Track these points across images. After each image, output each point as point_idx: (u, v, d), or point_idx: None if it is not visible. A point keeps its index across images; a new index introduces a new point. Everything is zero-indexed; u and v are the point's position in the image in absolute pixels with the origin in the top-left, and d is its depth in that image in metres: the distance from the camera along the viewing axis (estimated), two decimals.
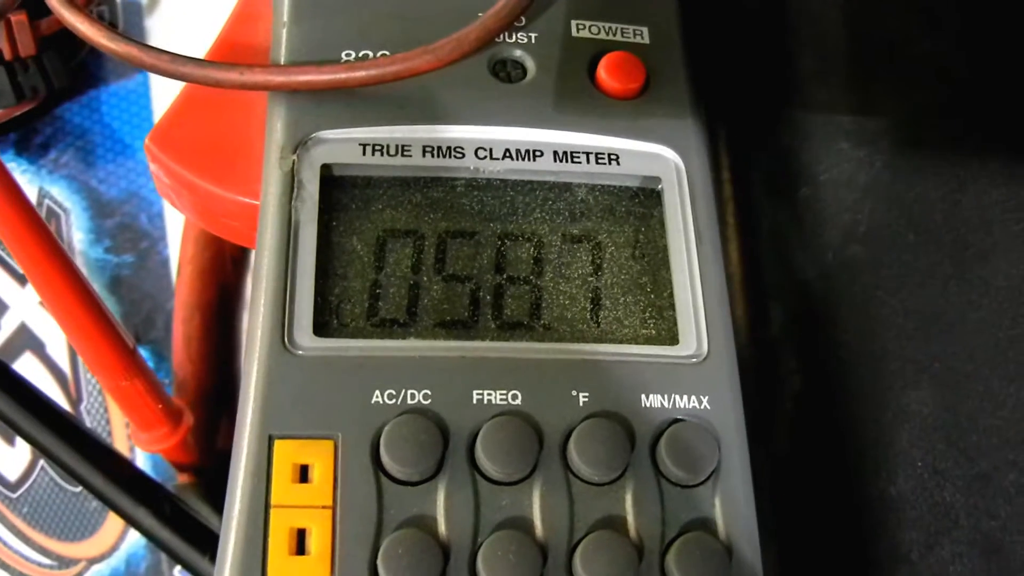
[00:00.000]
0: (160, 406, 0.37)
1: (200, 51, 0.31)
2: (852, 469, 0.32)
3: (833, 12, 0.35)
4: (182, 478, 0.42)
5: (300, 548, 0.24)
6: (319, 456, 0.25)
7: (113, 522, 0.46)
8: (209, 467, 0.42)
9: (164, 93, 0.47)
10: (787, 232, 0.35)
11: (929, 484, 0.32)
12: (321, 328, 0.26)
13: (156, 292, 0.45)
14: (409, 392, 0.25)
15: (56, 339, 0.47)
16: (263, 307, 0.26)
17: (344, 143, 0.28)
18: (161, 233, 0.47)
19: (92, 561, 0.47)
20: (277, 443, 0.25)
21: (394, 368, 0.26)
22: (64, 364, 0.46)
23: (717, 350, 0.27)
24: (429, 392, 0.26)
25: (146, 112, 0.46)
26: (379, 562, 0.24)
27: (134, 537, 0.46)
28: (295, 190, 0.27)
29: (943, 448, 0.32)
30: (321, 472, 0.25)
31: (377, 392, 0.25)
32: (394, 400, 0.25)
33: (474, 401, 0.26)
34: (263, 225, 0.27)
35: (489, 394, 0.26)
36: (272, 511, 0.24)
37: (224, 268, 0.41)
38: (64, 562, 0.47)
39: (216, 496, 0.43)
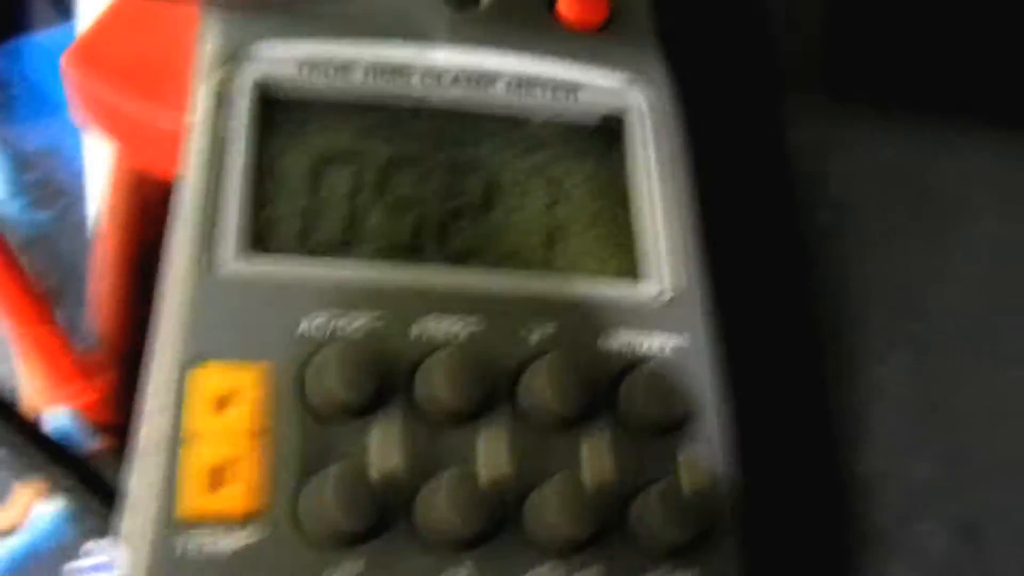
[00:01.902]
0: (77, 356, 0.34)
1: None
2: (822, 447, 0.31)
3: None
4: (104, 441, 0.39)
5: (218, 481, 0.21)
6: (241, 385, 0.22)
7: (22, 494, 0.43)
8: (127, 428, 0.39)
9: None
10: (751, 198, 0.34)
11: (902, 462, 0.30)
12: (246, 249, 0.24)
13: (74, 252, 0.42)
14: (343, 320, 0.23)
15: None
16: (184, 226, 0.24)
17: (280, 60, 0.26)
18: (81, 192, 0.44)
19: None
20: (195, 369, 0.22)
21: (327, 294, 0.23)
22: None
23: (686, 288, 0.25)
24: (366, 321, 0.23)
25: None
26: (303, 498, 0.21)
27: (47, 511, 0.43)
28: (225, 108, 0.25)
29: (915, 425, 0.30)
30: (242, 402, 0.22)
31: (306, 319, 0.23)
32: (326, 328, 0.23)
33: (415, 333, 0.23)
34: (188, 143, 0.25)
35: (434, 324, 0.23)
36: (187, 441, 0.22)
37: (149, 219, 0.39)
38: None
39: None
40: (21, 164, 0.45)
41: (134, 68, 0.28)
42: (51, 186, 0.44)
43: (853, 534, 0.30)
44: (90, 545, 0.43)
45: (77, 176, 0.44)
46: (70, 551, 0.43)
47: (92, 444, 0.39)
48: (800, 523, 0.30)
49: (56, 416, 0.39)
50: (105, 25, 0.29)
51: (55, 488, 0.34)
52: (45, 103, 0.45)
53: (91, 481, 0.34)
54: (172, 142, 0.28)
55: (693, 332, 0.25)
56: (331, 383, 0.22)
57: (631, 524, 0.23)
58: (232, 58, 0.26)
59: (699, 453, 0.24)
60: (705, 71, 0.35)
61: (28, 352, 0.34)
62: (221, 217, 0.24)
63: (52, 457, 0.34)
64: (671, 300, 0.25)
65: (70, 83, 0.29)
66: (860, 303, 0.32)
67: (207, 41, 0.26)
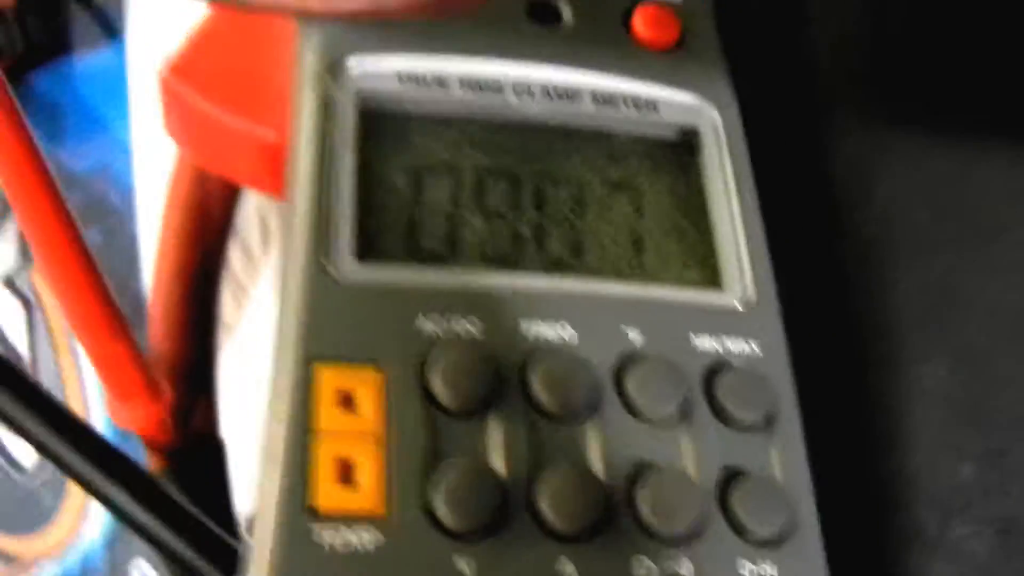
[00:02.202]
0: (144, 374, 0.35)
1: None
2: (867, 445, 0.32)
3: None
4: (153, 462, 0.40)
5: (346, 477, 0.22)
6: (365, 382, 0.23)
7: (67, 515, 0.44)
8: (182, 450, 0.40)
9: (140, 66, 0.45)
10: (800, 210, 0.35)
11: (944, 460, 0.31)
12: (362, 254, 0.25)
13: (124, 270, 0.43)
14: (456, 319, 0.24)
15: (15, 317, 0.44)
16: (299, 234, 0.25)
17: (381, 71, 0.27)
18: (131, 211, 0.44)
19: (44, 558, 0.44)
20: (320, 367, 0.23)
21: (439, 295, 0.25)
22: (22, 346, 0.44)
23: (763, 298, 0.27)
24: (477, 320, 0.24)
25: (120, 84, 0.45)
26: (431, 493, 0.22)
27: (91, 533, 0.43)
28: (331, 118, 0.26)
29: (958, 424, 0.32)
30: (367, 399, 0.23)
31: (421, 316, 0.24)
32: (441, 328, 0.24)
33: (525, 333, 0.25)
34: (296, 153, 0.26)
35: (540, 326, 0.25)
36: (317, 437, 0.22)
37: (209, 238, 0.40)
38: (9, 559, 0.44)
39: (188, 483, 0.40)
40: (69, 184, 0.45)
41: (231, 82, 0.29)
42: (100, 205, 0.45)
43: (896, 533, 0.31)
44: (138, 564, 0.44)
45: (127, 194, 0.45)
46: (119, 570, 0.44)
47: (148, 464, 0.39)
48: (843, 523, 0.31)
49: (117, 433, 0.40)
50: (202, 38, 0.30)
51: (109, 507, 0.34)
52: (95, 123, 0.46)
53: (143, 500, 0.35)
54: (267, 154, 0.29)
55: (772, 336, 0.27)
56: (453, 379, 0.23)
57: (730, 515, 0.24)
58: (334, 70, 0.27)
59: (787, 449, 0.25)
60: (750, 86, 0.36)
61: (99, 367, 0.34)
62: (335, 226, 0.25)
63: (115, 468, 0.35)
64: (752, 307, 0.27)
65: (165, 96, 0.30)
66: (904, 310, 0.33)
67: (307, 53, 0.27)
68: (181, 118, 0.30)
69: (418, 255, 0.25)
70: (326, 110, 0.26)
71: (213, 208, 0.39)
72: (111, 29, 0.46)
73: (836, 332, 0.33)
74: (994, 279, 0.32)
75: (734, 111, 0.29)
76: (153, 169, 0.43)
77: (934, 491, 0.31)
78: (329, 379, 0.23)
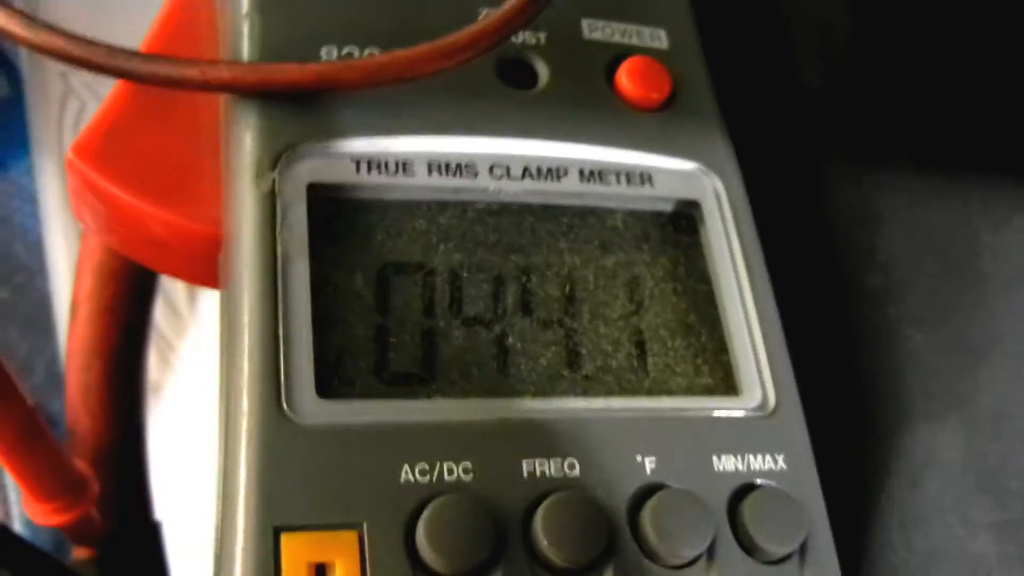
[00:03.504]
0: (63, 473, 0.31)
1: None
2: (879, 522, 0.30)
3: (842, 24, 0.32)
4: (79, 552, 0.36)
5: None
6: (340, 552, 0.20)
7: None
8: (110, 537, 0.36)
9: (40, 108, 0.40)
10: (800, 261, 0.32)
11: (960, 534, 0.29)
12: (326, 388, 0.21)
13: (35, 333, 0.38)
14: (446, 466, 0.21)
15: None
16: (248, 364, 0.21)
17: (334, 158, 0.23)
18: (40, 265, 0.40)
19: None
20: (285, 537, 0.19)
21: (422, 436, 0.21)
22: None
23: (785, 400, 0.23)
24: (470, 465, 0.21)
25: (19, 125, 0.40)
26: None
27: None
28: (278, 215, 0.22)
29: (974, 494, 0.29)
30: (344, 572, 0.19)
31: (407, 467, 0.20)
32: (428, 476, 0.20)
33: (525, 474, 0.21)
34: (237, 258, 0.22)
35: (542, 464, 0.21)
36: None
37: (129, 306, 0.35)
38: None
39: (117, 572, 0.36)
40: None
41: (147, 165, 0.25)
42: (5, 261, 0.40)
43: None
44: None
45: (35, 248, 0.40)
46: None
47: (71, 555, 0.35)
48: None
49: (19, 522, 0.36)
50: (113, 116, 0.25)
51: None
52: None
53: None
54: (186, 247, 0.25)
55: (797, 444, 0.24)
56: (448, 542, 0.19)
57: None
58: (279, 159, 0.23)
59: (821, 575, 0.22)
60: (746, 140, 0.33)
61: (11, 468, 0.30)
62: (293, 353, 0.21)
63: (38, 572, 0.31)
64: (773, 412, 0.23)
65: (72, 177, 0.25)
66: (916, 370, 0.31)
67: (245, 140, 0.23)
68: (90, 204, 0.25)
69: (391, 383, 0.22)
70: (272, 207, 0.22)
71: (132, 273, 0.34)
72: (5, 61, 0.41)
73: (844, 395, 0.31)
74: (1009, 333, 0.30)
75: (736, 176, 0.26)
76: (64, 221, 0.38)
77: (950, 567, 0.29)
78: (299, 551, 0.19)
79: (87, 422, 0.35)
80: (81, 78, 0.40)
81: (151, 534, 0.38)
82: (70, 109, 0.40)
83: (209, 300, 0.41)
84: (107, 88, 0.26)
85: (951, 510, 0.29)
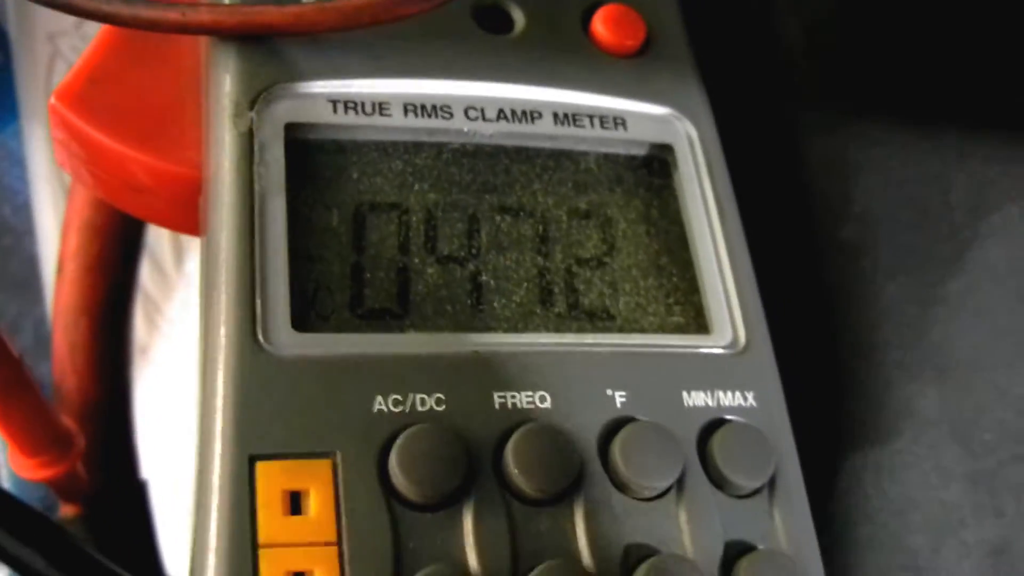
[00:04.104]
0: (50, 427, 0.31)
1: None
2: (854, 470, 0.30)
3: None
4: (66, 509, 0.36)
5: None
6: (314, 479, 0.20)
7: None
8: (97, 495, 0.36)
9: (28, 71, 0.40)
10: (774, 214, 0.32)
11: (934, 483, 0.29)
12: (302, 321, 0.21)
13: (23, 294, 0.39)
14: (418, 397, 0.21)
15: None
16: (225, 297, 0.21)
17: (311, 99, 0.23)
18: (27, 226, 0.40)
19: None
20: (260, 465, 0.20)
21: (395, 368, 0.21)
22: None
23: (756, 339, 0.24)
24: (442, 396, 0.21)
25: (7, 89, 0.40)
26: None
27: None
28: (256, 154, 0.22)
29: (948, 445, 0.30)
30: (318, 500, 0.20)
31: (379, 398, 0.21)
32: (401, 407, 0.21)
33: (496, 405, 0.21)
34: (215, 198, 0.22)
35: (513, 396, 0.21)
36: (261, 552, 0.19)
37: (114, 264, 0.36)
38: None
39: (104, 530, 0.37)
40: None
41: (129, 110, 0.25)
42: None
43: (889, 558, 0.29)
44: None
45: (23, 210, 0.40)
46: None
47: (61, 510, 0.36)
48: (837, 559, 0.29)
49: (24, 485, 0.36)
50: (96, 61, 0.25)
51: (31, 562, 0.31)
52: None
53: (68, 553, 0.31)
54: (171, 192, 0.25)
55: (767, 383, 0.24)
56: (420, 470, 0.20)
57: None
58: (257, 100, 0.23)
59: (790, 511, 0.23)
60: (721, 90, 0.33)
61: (2, 425, 0.30)
62: (269, 287, 0.21)
63: (26, 527, 0.31)
64: (744, 351, 0.24)
65: (56, 126, 0.25)
66: (889, 324, 0.31)
67: (223, 81, 0.23)
68: (73, 150, 0.25)
69: (366, 318, 0.22)
70: (250, 147, 0.22)
71: (118, 230, 0.35)
72: None
73: (818, 350, 0.31)
74: (983, 285, 0.31)
75: (710, 122, 0.26)
76: (52, 183, 0.39)
77: (924, 515, 0.29)
78: (273, 479, 0.20)
79: (73, 380, 0.36)
80: (69, 41, 0.40)
81: (137, 492, 0.38)
82: (58, 72, 0.40)
83: (196, 261, 0.41)
84: None
85: (925, 460, 0.29)
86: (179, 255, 0.39)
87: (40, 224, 0.40)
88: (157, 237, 0.39)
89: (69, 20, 0.40)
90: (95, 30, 0.26)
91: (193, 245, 0.42)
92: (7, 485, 0.39)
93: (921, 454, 0.30)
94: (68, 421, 0.33)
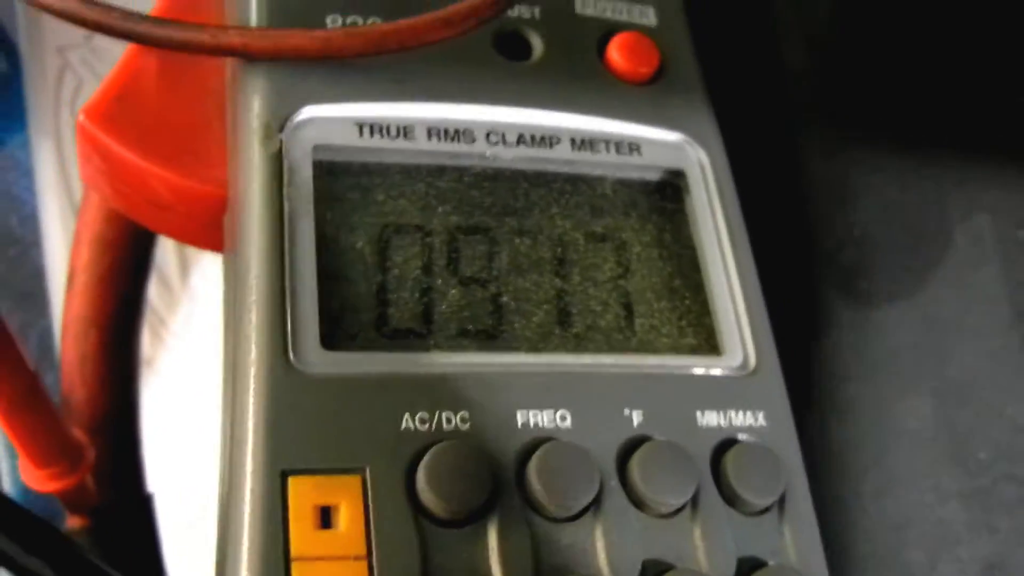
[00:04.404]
0: (61, 439, 0.31)
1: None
2: (852, 488, 0.30)
3: (825, 4, 0.33)
4: (72, 521, 0.36)
5: None
6: (345, 495, 0.20)
7: None
8: (103, 507, 0.36)
9: (38, 83, 0.41)
10: (775, 236, 0.33)
11: (930, 502, 0.30)
12: (330, 340, 0.22)
13: (29, 305, 0.39)
14: (444, 414, 0.21)
15: None
16: (256, 317, 0.22)
17: (338, 122, 0.24)
18: (35, 238, 0.40)
19: None
20: (293, 480, 0.20)
21: (422, 386, 0.22)
22: None
23: (765, 360, 0.25)
24: (467, 414, 0.22)
25: (16, 100, 0.40)
26: None
27: None
28: (285, 176, 0.23)
29: (944, 463, 0.30)
30: (348, 515, 0.20)
31: (407, 415, 0.21)
32: (427, 424, 0.21)
33: (519, 424, 0.22)
34: (244, 217, 0.23)
35: (536, 415, 0.22)
36: (294, 565, 0.20)
37: (125, 276, 0.36)
38: None
39: (110, 542, 0.37)
40: None
41: (155, 129, 0.26)
42: (1, 233, 0.41)
43: (884, 573, 0.29)
44: None
45: (30, 220, 0.41)
46: None
47: (67, 522, 0.36)
48: (834, 564, 0.30)
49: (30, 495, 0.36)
50: (123, 80, 0.26)
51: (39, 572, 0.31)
52: None
53: (76, 565, 0.32)
54: (195, 210, 0.26)
55: (776, 402, 0.25)
56: (447, 487, 0.20)
57: None
58: (286, 123, 0.23)
59: (799, 527, 0.24)
60: (727, 114, 0.34)
61: (11, 432, 0.31)
62: (299, 307, 0.22)
63: (33, 538, 0.31)
64: (753, 372, 0.25)
65: (83, 142, 0.26)
66: (887, 343, 0.32)
67: (253, 103, 0.24)
68: (98, 166, 0.26)
69: (392, 337, 0.23)
70: (279, 169, 0.23)
71: (128, 246, 0.35)
72: (4, 37, 0.42)
73: (818, 365, 0.32)
74: (978, 307, 0.31)
75: (720, 148, 0.27)
76: (59, 195, 0.39)
77: (920, 532, 0.30)
78: (305, 494, 0.20)
79: (82, 392, 0.36)
80: (79, 54, 0.40)
81: (144, 505, 0.38)
82: (67, 84, 0.41)
83: (201, 276, 0.41)
84: (104, 65, 0.27)
85: (921, 478, 0.30)
86: (184, 269, 0.40)
87: (47, 235, 0.40)
88: (163, 251, 0.39)
89: (79, 33, 0.40)
90: (106, 43, 0.27)
91: (198, 260, 0.43)
92: (12, 494, 0.39)
93: (918, 473, 0.30)
94: (78, 433, 0.34)
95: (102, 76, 0.27)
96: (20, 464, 0.33)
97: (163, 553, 0.37)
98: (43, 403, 0.30)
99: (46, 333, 0.39)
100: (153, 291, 0.38)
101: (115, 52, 0.27)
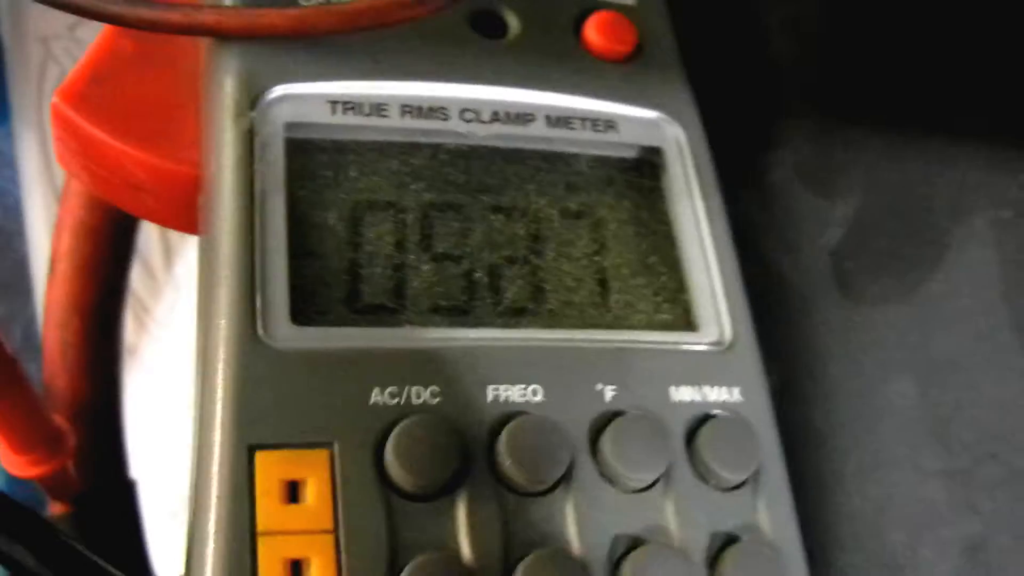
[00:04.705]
0: (42, 425, 0.31)
1: None
2: (834, 469, 0.30)
3: None
4: (54, 507, 0.36)
5: None
6: (312, 469, 0.20)
7: None
8: (86, 494, 0.36)
9: (21, 73, 0.41)
10: (758, 218, 0.33)
11: (912, 481, 0.30)
12: (300, 315, 0.22)
13: (12, 295, 0.39)
14: (414, 389, 0.21)
15: None
16: (226, 292, 0.22)
17: (311, 99, 0.24)
18: (18, 227, 0.40)
19: None
20: (260, 455, 0.20)
21: (392, 361, 0.22)
22: None
23: (742, 336, 0.24)
24: (437, 388, 0.21)
25: None
26: None
27: None
28: (256, 153, 0.23)
29: (926, 443, 0.30)
30: (316, 489, 0.20)
31: (376, 390, 0.21)
32: (397, 399, 0.21)
33: (490, 399, 0.22)
34: (216, 195, 0.23)
35: (507, 390, 0.22)
36: (260, 540, 0.19)
37: (107, 264, 0.36)
38: None
39: (92, 528, 0.37)
40: None
41: (130, 109, 0.25)
42: None
43: (868, 556, 0.29)
44: None
45: (13, 211, 0.41)
46: None
47: (49, 508, 0.36)
48: (817, 557, 0.30)
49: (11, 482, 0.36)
50: (97, 61, 0.26)
51: (21, 559, 0.31)
52: None
53: (58, 550, 0.31)
54: (171, 191, 0.26)
55: (752, 378, 0.24)
56: (415, 461, 0.20)
57: None
58: (258, 100, 0.23)
59: (774, 503, 0.23)
60: (709, 94, 0.34)
61: None
62: (267, 284, 0.22)
63: (14, 523, 0.31)
64: (729, 347, 0.24)
65: (57, 125, 0.26)
66: (870, 325, 0.32)
67: (225, 81, 0.24)
68: (73, 148, 0.26)
69: (363, 312, 0.22)
70: (250, 146, 0.23)
71: (110, 232, 0.35)
72: None
73: (801, 345, 0.32)
74: (963, 287, 0.31)
75: (698, 126, 0.27)
76: (43, 185, 0.39)
77: (903, 513, 0.30)
78: (272, 468, 0.20)
79: (64, 379, 0.36)
80: (61, 44, 0.40)
81: (126, 492, 0.38)
82: (50, 75, 0.41)
83: (185, 264, 0.41)
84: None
85: (904, 458, 0.30)
86: (168, 257, 0.40)
87: (30, 225, 0.40)
88: (147, 239, 0.39)
89: (62, 23, 0.40)
90: (89, 34, 0.27)
91: (182, 247, 0.42)
92: None
93: (900, 452, 0.30)
94: (60, 419, 0.34)
95: None
96: (0, 450, 0.33)
97: (147, 539, 0.37)
98: (23, 389, 0.30)
99: (30, 323, 0.39)
100: (136, 279, 0.38)
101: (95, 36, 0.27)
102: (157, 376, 0.41)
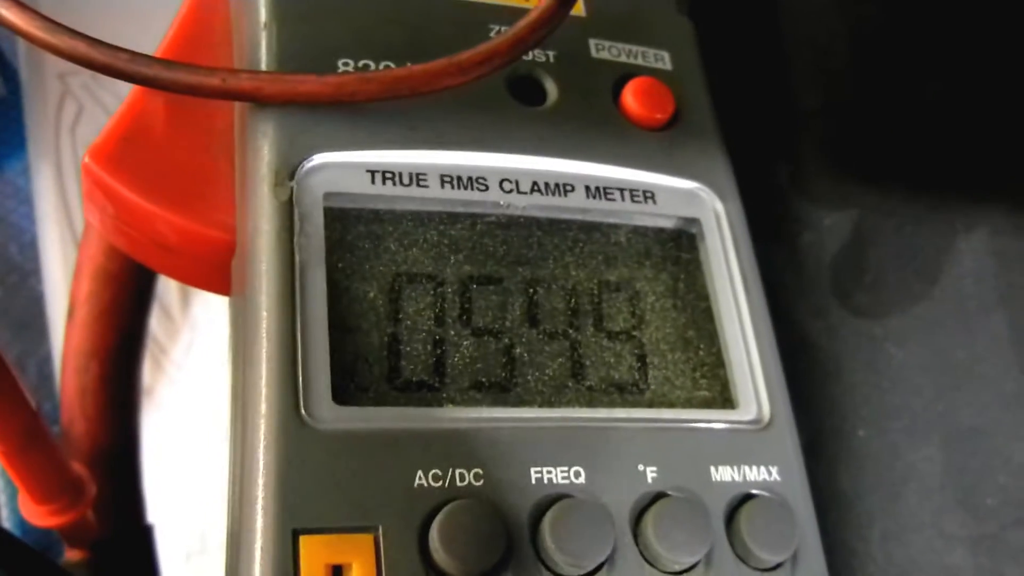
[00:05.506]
0: (62, 475, 0.31)
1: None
2: (860, 535, 0.30)
3: (840, 48, 0.33)
4: (71, 553, 0.36)
5: None
6: (357, 553, 0.20)
7: None
8: (103, 540, 0.36)
9: (38, 109, 0.40)
10: (788, 280, 0.33)
11: (938, 547, 0.30)
12: (342, 394, 0.21)
13: (27, 334, 0.38)
14: (458, 471, 0.21)
15: None
16: (267, 369, 0.21)
17: (350, 168, 0.24)
18: (34, 266, 0.40)
19: None
20: (304, 539, 0.20)
21: (434, 442, 0.21)
22: None
23: (779, 414, 0.24)
24: (480, 471, 0.21)
25: (16, 126, 0.40)
26: None
27: None
28: (296, 224, 0.23)
29: (952, 509, 0.30)
30: (361, 573, 0.20)
31: (420, 472, 0.21)
32: (441, 481, 0.21)
33: (533, 480, 0.22)
34: (254, 266, 0.22)
35: (549, 471, 0.22)
36: None
37: (126, 310, 0.35)
38: None
39: (110, 573, 0.37)
40: None
41: (161, 172, 0.25)
42: (1, 260, 0.40)
43: None
44: None
45: (29, 248, 0.40)
46: None
47: (63, 556, 0.35)
48: None
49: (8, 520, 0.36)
50: (129, 121, 0.26)
51: None
52: None
53: None
54: (200, 253, 0.25)
55: (790, 456, 0.24)
56: (464, 546, 0.20)
57: None
58: (297, 169, 0.23)
59: None
60: (742, 158, 0.34)
61: (11, 469, 0.30)
62: (310, 359, 0.21)
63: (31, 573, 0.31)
64: (767, 425, 0.24)
65: (88, 183, 0.26)
66: (899, 389, 0.32)
67: (264, 148, 0.23)
68: (103, 208, 0.26)
69: (404, 390, 0.22)
70: (290, 216, 0.23)
71: (130, 279, 0.35)
72: (4, 62, 0.42)
73: (829, 409, 0.32)
74: (988, 353, 0.31)
75: (735, 196, 0.27)
76: (59, 222, 0.39)
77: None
78: (317, 553, 0.20)
79: (83, 424, 0.36)
80: (79, 80, 0.40)
81: (144, 537, 0.38)
82: (67, 111, 0.40)
83: (202, 305, 0.41)
84: (106, 91, 0.27)
85: (929, 524, 0.30)
86: (186, 299, 0.40)
87: (46, 263, 0.40)
88: (164, 281, 0.39)
89: None
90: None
91: (199, 290, 0.42)
92: (9, 526, 0.39)
93: (926, 518, 0.30)
94: (80, 468, 0.33)
95: (103, 102, 0.27)
96: (20, 500, 0.33)
97: None
98: (43, 439, 0.30)
99: (45, 362, 0.39)
100: (154, 320, 0.37)
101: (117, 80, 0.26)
102: (175, 417, 0.40)
